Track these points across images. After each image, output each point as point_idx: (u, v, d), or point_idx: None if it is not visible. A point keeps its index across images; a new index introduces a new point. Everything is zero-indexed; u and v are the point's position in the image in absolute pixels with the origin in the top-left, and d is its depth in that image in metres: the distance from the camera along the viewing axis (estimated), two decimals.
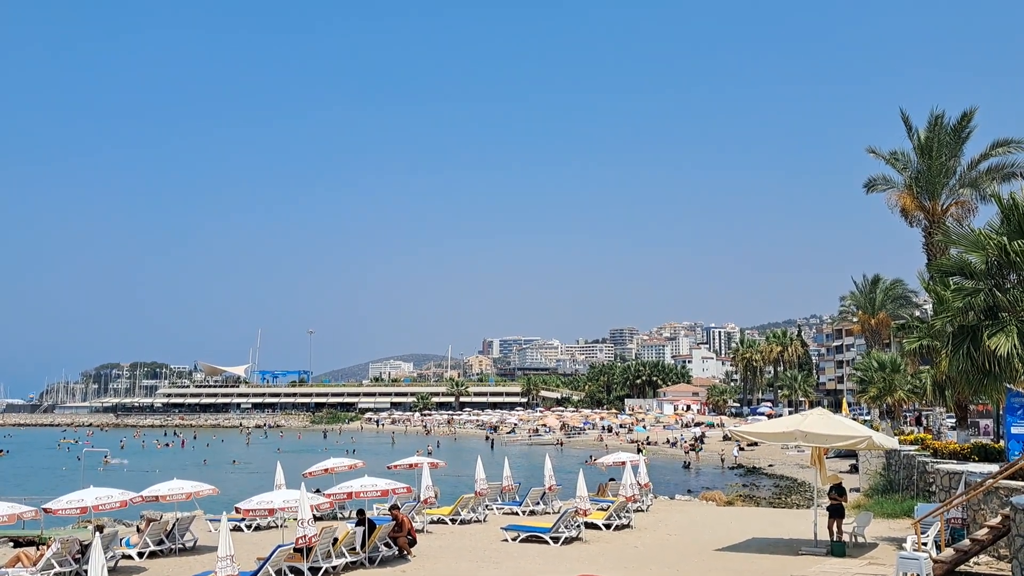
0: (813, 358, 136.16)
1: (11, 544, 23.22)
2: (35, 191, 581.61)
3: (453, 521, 25.28)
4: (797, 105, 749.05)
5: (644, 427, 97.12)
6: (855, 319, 71.40)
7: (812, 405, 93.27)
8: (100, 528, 19.56)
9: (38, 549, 18.46)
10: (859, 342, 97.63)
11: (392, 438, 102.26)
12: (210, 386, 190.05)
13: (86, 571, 16.13)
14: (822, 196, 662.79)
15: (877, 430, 29.72)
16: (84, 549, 18.03)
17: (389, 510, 21.28)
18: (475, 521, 25.60)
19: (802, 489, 44.24)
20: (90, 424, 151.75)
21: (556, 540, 21.08)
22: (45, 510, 17.83)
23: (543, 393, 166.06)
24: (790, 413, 66.82)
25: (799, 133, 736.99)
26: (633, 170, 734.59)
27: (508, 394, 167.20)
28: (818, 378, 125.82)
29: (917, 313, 57.71)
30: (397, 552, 19.10)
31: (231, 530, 13.72)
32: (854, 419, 38.31)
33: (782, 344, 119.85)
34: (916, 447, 27.84)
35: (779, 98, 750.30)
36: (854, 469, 39.31)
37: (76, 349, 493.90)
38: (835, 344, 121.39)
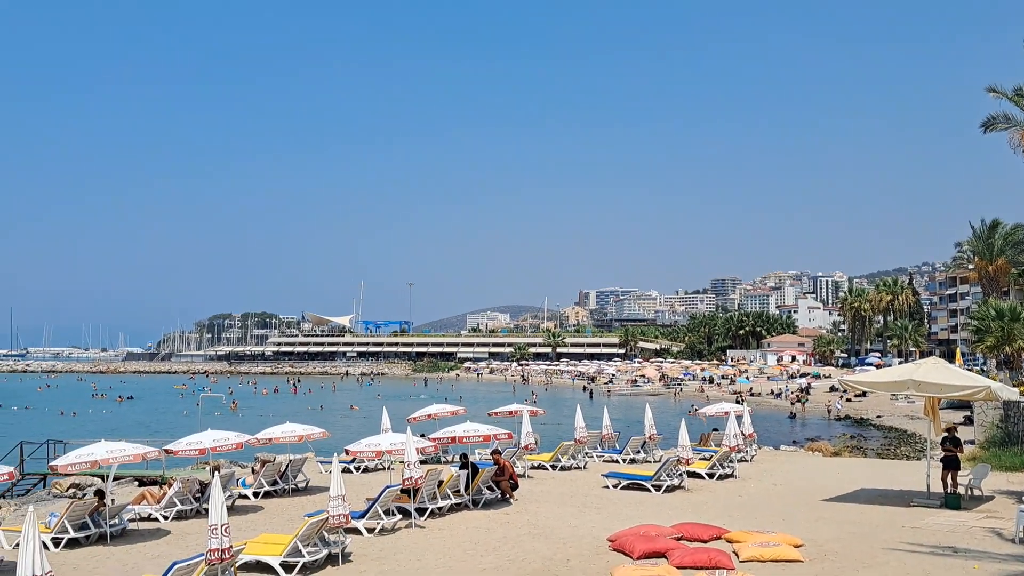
0: (925, 307, 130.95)
1: (136, 483, 24.60)
2: (150, 157, 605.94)
3: (553, 467, 25.51)
4: (906, 45, 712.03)
5: (747, 378, 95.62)
6: (971, 266, 68.25)
7: (923, 355, 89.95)
8: (217, 468, 20.47)
9: (161, 488, 19.45)
10: (975, 290, 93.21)
11: (513, 387, 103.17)
12: (317, 335, 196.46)
13: (206, 509, 16.95)
14: (935, 138, 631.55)
15: (994, 380, 28.39)
16: (203, 488, 18.94)
17: (491, 454, 21.58)
18: (575, 468, 25.76)
19: (912, 440, 42.91)
20: (205, 372, 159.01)
21: (658, 488, 21.03)
22: (166, 451, 18.67)
23: (641, 344, 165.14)
24: (900, 363, 64.59)
25: (908, 73, 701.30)
26: (734, 118, 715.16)
27: (605, 345, 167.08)
28: (930, 328, 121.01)
29: None
30: (500, 495, 19.40)
31: (340, 472, 14.12)
32: (969, 370, 36.78)
33: (892, 293, 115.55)
34: None
35: (887, 39, 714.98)
36: (968, 421, 37.75)
37: (191, 300, 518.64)
38: (949, 292, 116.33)
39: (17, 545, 13.52)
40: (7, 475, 14.59)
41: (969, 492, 18.97)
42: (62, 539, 15.33)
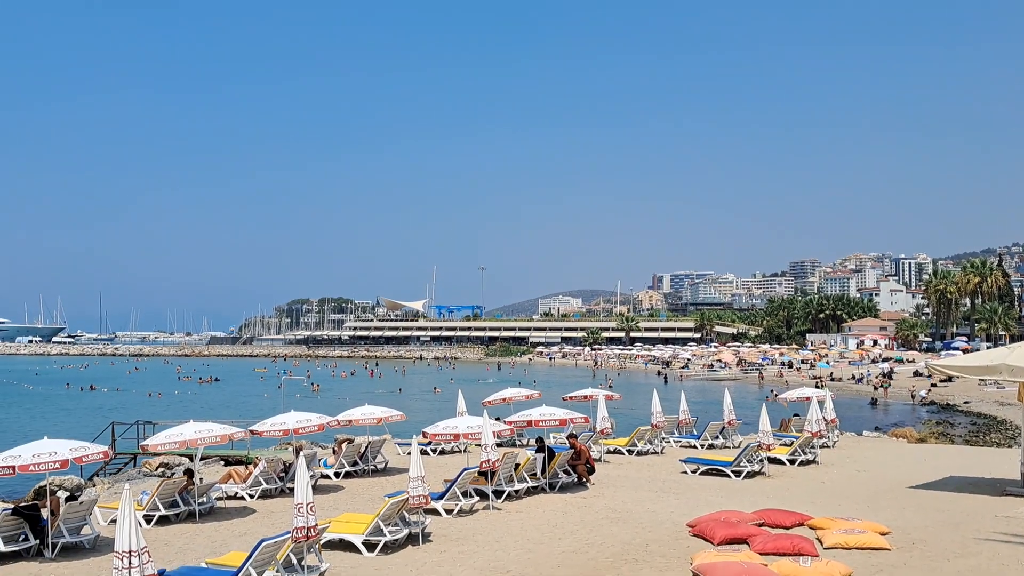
0: (1015, 289, 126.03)
1: (222, 463, 25.33)
2: (233, 149, 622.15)
3: (630, 452, 25.36)
4: (992, 17, 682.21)
5: (827, 363, 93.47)
6: None
7: (1013, 339, 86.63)
8: (299, 449, 20.92)
9: (246, 468, 19.96)
10: None
11: (593, 371, 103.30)
12: (392, 320, 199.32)
13: (290, 488, 17.35)
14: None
15: None
16: (287, 468, 19.40)
17: (567, 438, 21.54)
18: (652, 453, 25.58)
19: (1002, 427, 41.45)
20: (285, 355, 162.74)
21: (738, 474, 20.75)
22: (251, 432, 19.13)
23: (717, 328, 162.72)
24: (988, 348, 62.26)
25: (998, 47, 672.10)
26: (812, 96, 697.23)
27: (680, 329, 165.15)
28: (1020, 311, 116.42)
29: None
30: (576, 479, 19.37)
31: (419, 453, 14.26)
32: None
33: (980, 275, 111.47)
34: None
35: (977, 8, 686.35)
36: None
37: (271, 286, 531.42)
38: None
39: (112, 521, 14.08)
40: (102, 454, 15.15)
41: None
42: (153, 516, 15.87)
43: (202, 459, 22.69)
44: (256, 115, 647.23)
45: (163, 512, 15.98)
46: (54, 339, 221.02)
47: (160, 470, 25.27)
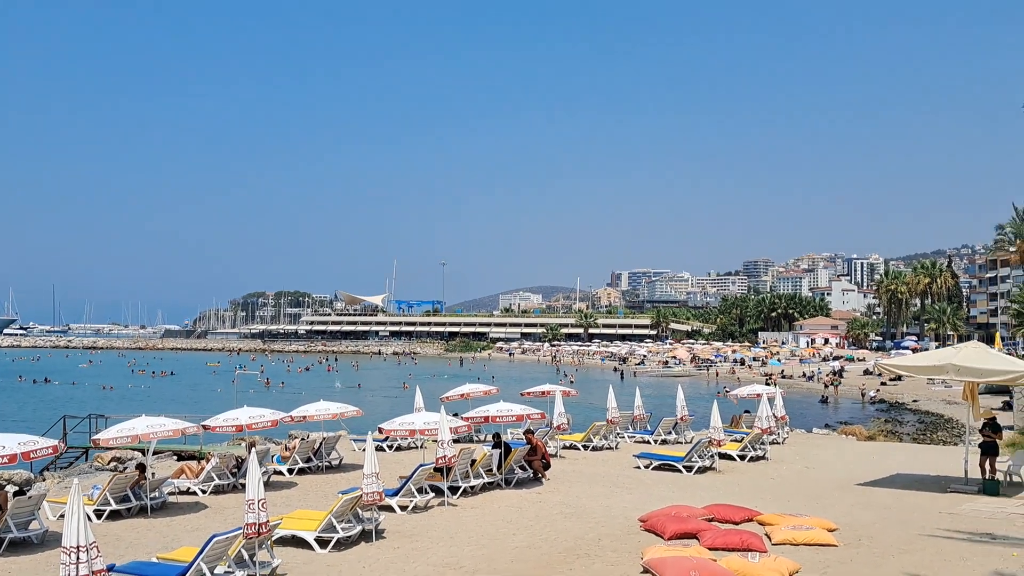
0: (964, 290, 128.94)
1: (174, 457, 25.02)
2: (187, 139, 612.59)
3: (585, 448, 25.57)
4: (945, 26, 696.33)
5: (779, 360, 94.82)
6: (1012, 248, 66.99)
7: (961, 339, 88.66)
8: (252, 445, 20.75)
9: (199, 463, 19.77)
10: (1016, 273, 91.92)
11: (557, 367, 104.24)
12: (350, 315, 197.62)
13: (242, 484, 17.20)
14: (976, 118, 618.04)
15: None
16: (239, 464, 19.24)
17: (523, 434, 21.65)
18: (607, 448, 25.81)
19: (949, 425, 42.38)
20: (239, 349, 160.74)
21: (689, 469, 21.03)
22: (204, 427, 18.93)
23: (673, 326, 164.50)
24: (937, 348, 63.65)
25: (948, 53, 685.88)
26: (768, 99, 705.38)
27: (637, 326, 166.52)
28: (968, 311, 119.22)
29: None
30: (532, 475, 19.49)
31: (374, 449, 14.24)
32: (1009, 354, 36.07)
33: (930, 276, 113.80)
34: None
35: (926, 19, 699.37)
36: (1007, 406, 37.23)
37: (225, 279, 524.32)
38: (989, 275, 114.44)
39: (61, 516, 13.86)
40: (52, 448, 14.90)
41: (1008, 478, 18.72)
42: (104, 511, 15.67)
43: (154, 454, 22.42)
44: (214, 110, 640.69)
45: (114, 507, 15.79)
46: (5, 331, 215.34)
47: (112, 464, 24.87)
